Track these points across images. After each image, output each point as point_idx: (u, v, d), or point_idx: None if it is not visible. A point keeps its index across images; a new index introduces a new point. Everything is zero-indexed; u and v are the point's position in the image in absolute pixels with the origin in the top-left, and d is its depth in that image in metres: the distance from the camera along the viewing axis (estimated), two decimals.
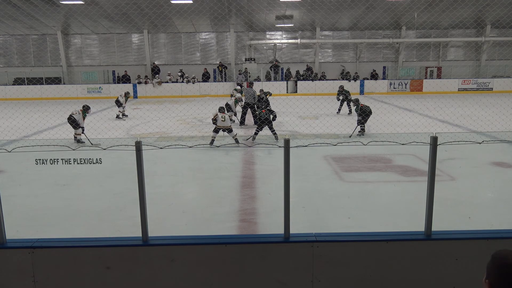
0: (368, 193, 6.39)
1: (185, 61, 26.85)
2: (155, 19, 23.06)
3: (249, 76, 24.44)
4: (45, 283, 3.04)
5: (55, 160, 3.23)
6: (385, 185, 6.76)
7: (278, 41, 26.43)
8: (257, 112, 11.44)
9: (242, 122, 13.48)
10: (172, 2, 19.42)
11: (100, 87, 24.54)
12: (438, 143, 3.02)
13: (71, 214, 5.56)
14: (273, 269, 3.06)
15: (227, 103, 13.62)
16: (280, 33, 26.51)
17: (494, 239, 3.09)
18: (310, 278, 3.05)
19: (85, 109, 10.78)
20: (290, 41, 26.35)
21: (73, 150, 3.49)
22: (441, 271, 3.07)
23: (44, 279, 3.03)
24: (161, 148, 3.67)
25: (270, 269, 3.06)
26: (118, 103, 15.20)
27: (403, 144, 3.76)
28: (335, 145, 3.94)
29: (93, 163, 3.31)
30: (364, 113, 10.79)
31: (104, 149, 3.56)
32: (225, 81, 25.39)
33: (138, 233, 3.10)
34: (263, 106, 11.93)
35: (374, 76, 25.75)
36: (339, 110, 15.64)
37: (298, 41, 26.01)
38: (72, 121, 10.41)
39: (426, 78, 26.21)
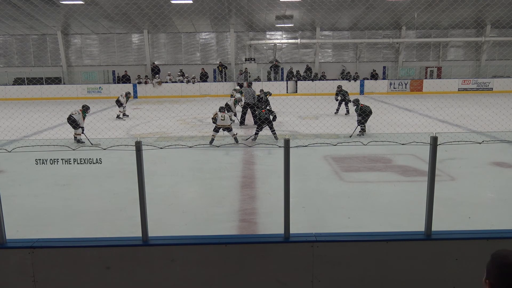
0: (368, 193, 6.39)
1: (185, 61, 26.86)
2: (155, 19, 23.06)
3: (249, 76, 24.44)
4: (45, 283, 3.04)
5: (55, 160, 3.23)
6: (385, 185, 6.76)
7: (278, 41, 26.43)
8: (257, 112, 11.45)
9: (242, 122, 13.49)
10: (172, 2, 19.41)
11: (100, 87, 24.54)
12: (438, 143, 3.02)
13: (71, 214, 5.56)
14: (273, 269, 3.06)
15: (226, 103, 13.63)
16: (280, 33, 26.51)
17: (494, 239, 3.09)
18: (310, 278, 3.05)
19: (85, 109, 10.78)
20: (290, 41, 26.35)
21: (73, 150, 3.50)
22: (441, 271, 3.07)
23: (44, 279, 3.03)
24: (161, 148, 3.67)
25: (270, 269, 3.06)
26: (118, 103, 15.21)
27: (403, 144, 3.76)
28: (335, 145, 3.94)
29: (93, 163, 3.31)
30: (364, 113, 10.79)
31: (104, 149, 3.56)
32: (225, 81, 25.39)
33: (138, 233, 3.10)
34: (263, 106, 11.94)
35: (374, 76, 25.75)
36: (337, 110, 15.62)
37: (298, 41, 26.01)
38: (72, 121, 10.41)
39: (426, 78, 26.21)
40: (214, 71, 26.33)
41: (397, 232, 3.38)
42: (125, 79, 25.37)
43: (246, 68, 25.13)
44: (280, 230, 3.13)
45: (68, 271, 3.06)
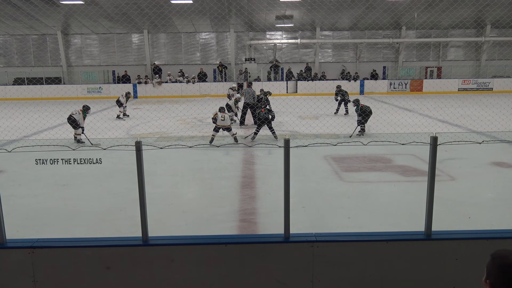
0: (368, 193, 6.39)
1: (185, 61, 26.86)
2: (155, 19, 23.06)
3: (249, 76, 24.44)
4: (45, 283, 3.04)
5: (55, 160, 3.23)
6: (385, 185, 6.76)
7: (278, 41, 26.43)
8: (256, 112, 11.46)
9: (242, 122, 13.49)
10: (172, 2, 19.42)
11: (100, 87, 24.55)
12: (438, 143, 3.03)
13: (71, 214, 5.56)
14: (273, 269, 3.06)
15: (227, 103, 13.64)
16: (280, 33, 26.51)
17: (494, 239, 3.09)
18: (310, 278, 3.05)
19: (85, 109, 10.78)
20: (290, 41, 26.35)
21: (73, 150, 3.50)
22: (441, 271, 3.07)
23: (44, 279, 3.03)
24: (161, 148, 3.67)
25: (270, 269, 3.06)
26: (118, 103, 15.22)
27: (403, 144, 3.76)
28: (335, 145, 3.94)
29: (93, 163, 3.31)
30: (364, 113, 10.78)
31: (104, 149, 3.56)
32: (225, 81, 25.38)
33: (138, 233, 3.10)
34: (263, 106, 11.95)
35: (374, 76, 25.75)
36: (337, 110, 15.61)
37: (298, 41, 26.01)
38: (72, 121, 10.41)
39: (426, 78, 26.21)
40: (214, 71, 26.33)
41: (397, 232, 3.38)
42: (125, 79, 25.37)
43: (246, 68, 25.13)
44: (280, 230, 3.13)
45: (68, 271, 3.06)
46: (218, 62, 26.33)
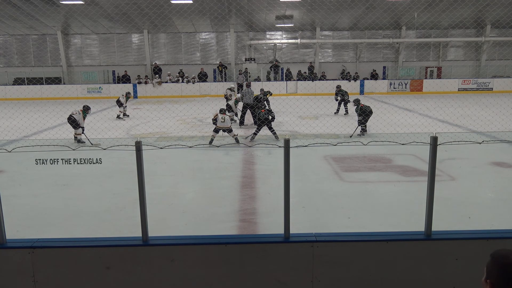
0: (368, 193, 6.39)
1: (185, 61, 26.86)
2: (155, 19, 23.06)
3: (249, 76, 24.44)
4: (45, 283, 3.04)
5: (55, 160, 3.23)
6: (385, 185, 6.76)
7: (278, 41, 26.43)
8: (256, 112, 11.47)
9: (241, 122, 13.49)
10: (172, 2, 19.42)
11: (100, 87, 24.55)
12: (438, 143, 3.03)
13: (71, 214, 5.56)
14: (273, 269, 3.06)
15: (227, 104, 13.64)
16: (280, 33, 26.51)
17: (494, 239, 3.09)
18: (310, 278, 3.05)
19: (85, 109, 10.78)
20: (290, 41, 26.35)
21: (73, 150, 3.49)
22: (441, 271, 3.07)
23: (44, 279, 3.03)
24: (161, 148, 3.67)
25: (270, 269, 3.06)
26: (119, 103, 15.23)
27: (403, 144, 3.76)
28: (335, 145, 3.94)
29: (93, 163, 3.31)
30: (364, 113, 10.78)
31: (104, 149, 3.56)
32: (225, 81, 25.39)
33: (138, 233, 3.10)
34: (263, 106, 11.95)
35: (374, 76, 25.75)
36: (337, 110, 15.61)
37: (298, 41, 26.01)
38: (72, 121, 10.41)
39: (426, 78, 26.21)
40: (214, 71, 26.33)
41: (397, 232, 3.38)
42: (125, 79, 25.37)
43: (246, 68, 25.13)
44: (280, 230, 3.13)
45: (68, 271, 3.06)
46: (218, 62, 26.33)
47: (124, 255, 3.08)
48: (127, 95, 15.54)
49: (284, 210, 3.08)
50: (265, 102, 13.67)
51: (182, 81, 24.98)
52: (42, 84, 23.78)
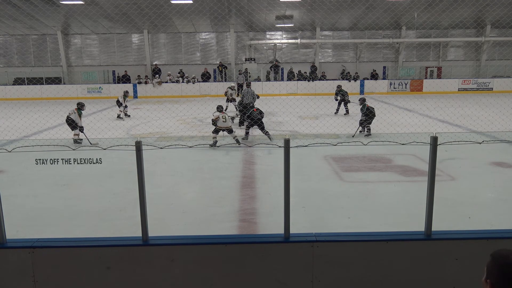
0: (368, 193, 6.39)
1: (185, 61, 26.86)
2: (155, 19, 23.06)
3: (249, 76, 24.43)
4: (45, 283, 3.04)
5: (55, 160, 3.23)
6: (385, 185, 6.76)
7: (278, 41, 26.43)
8: (249, 112, 11.44)
9: (241, 123, 13.48)
10: (172, 2, 19.41)
11: (100, 87, 24.54)
12: (438, 143, 3.03)
13: (71, 214, 5.56)
14: (273, 269, 3.06)
15: (229, 102, 13.61)
16: (280, 33, 26.51)
17: (494, 239, 3.09)
18: (310, 278, 3.05)
19: (80, 107, 10.76)
20: (290, 41, 26.35)
21: (73, 150, 3.50)
22: (441, 271, 3.07)
23: (44, 279, 3.03)
24: (161, 148, 3.67)
25: (270, 269, 3.06)
26: (118, 103, 15.25)
27: (403, 144, 3.76)
28: (335, 145, 3.94)
29: (93, 163, 3.31)
30: (369, 114, 10.72)
31: (104, 149, 3.56)
32: (225, 81, 25.38)
33: (138, 233, 3.10)
34: (253, 106, 11.99)
35: (374, 76, 25.75)
36: (337, 110, 15.61)
37: (298, 41, 26.01)
38: (71, 122, 10.41)
39: (426, 78, 26.21)
40: (214, 71, 26.33)
41: (397, 232, 3.38)
42: (125, 79, 25.37)
43: (246, 68, 25.13)
44: (280, 230, 3.13)
45: (68, 271, 3.06)
46: (218, 62, 26.33)
47: (124, 255, 3.08)
48: (125, 94, 15.54)
49: (284, 210, 3.08)
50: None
51: (182, 81, 24.98)
52: (42, 84, 23.77)
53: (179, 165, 8.21)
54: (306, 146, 4.07)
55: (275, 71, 25.77)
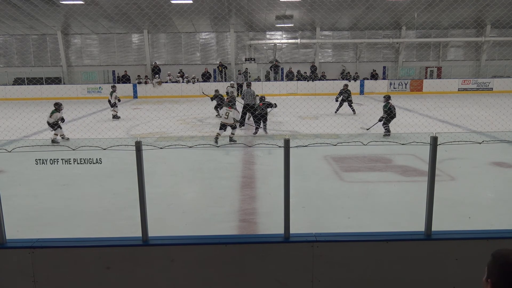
0: (368, 193, 6.39)
1: (185, 61, 26.85)
2: (155, 19, 23.06)
3: (249, 76, 24.42)
4: (45, 283, 3.04)
5: (55, 160, 3.22)
6: (385, 185, 6.75)
7: (278, 41, 26.43)
8: (255, 110, 11.70)
9: (241, 123, 13.47)
10: (172, 2, 19.41)
11: (100, 87, 24.53)
12: (438, 143, 3.03)
13: (71, 214, 5.56)
14: (273, 269, 3.06)
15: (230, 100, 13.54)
16: (280, 33, 26.51)
17: (494, 239, 3.09)
18: (310, 278, 3.05)
19: (57, 107, 10.69)
20: (290, 41, 26.34)
21: (73, 150, 3.49)
22: (441, 271, 3.07)
23: (44, 279, 3.03)
24: (161, 148, 3.67)
25: (270, 269, 3.06)
26: (110, 102, 15.20)
27: (403, 144, 3.76)
28: (335, 145, 3.94)
29: (93, 163, 3.31)
30: (390, 113, 10.52)
31: (104, 149, 3.56)
32: (225, 81, 25.36)
33: (138, 233, 3.10)
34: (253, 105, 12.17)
35: (374, 76, 25.75)
36: (337, 110, 15.63)
37: (298, 41, 26.00)
38: (52, 125, 10.47)
39: (426, 78, 26.21)
40: (214, 71, 26.33)
41: (397, 232, 3.38)
42: (125, 79, 25.36)
43: (246, 68, 25.12)
44: (280, 230, 3.13)
45: (68, 271, 3.06)
46: (218, 62, 26.32)
47: (124, 255, 3.08)
48: (112, 89, 15.35)
49: (284, 210, 3.08)
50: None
51: (182, 81, 24.97)
52: (42, 84, 23.77)
53: (179, 165, 8.21)
54: (306, 146, 4.07)
55: (275, 71, 25.77)
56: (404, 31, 25.94)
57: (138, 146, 2.99)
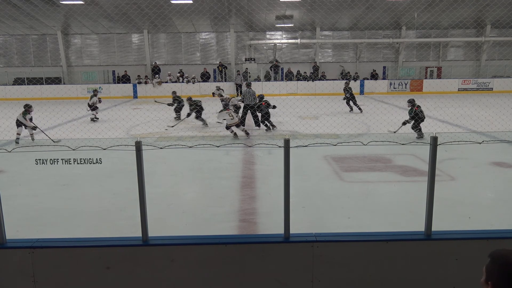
0: (368, 193, 6.39)
1: (185, 61, 26.85)
2: (155, 19, 23.06)
3: (249, 77, 24.42)
4: (45, 283, 3.04)
5: (55, 160, 3.22)
6: (385, 185, 6.75)
7: (278, 41, 26.42)
8: (258, 110, 11.84)
9: (242, 123, 13.46)
10: (172, 2, 19.41)
11: (100, 87, 24.53)
12: (438, 143, 3.02)
13: (71, 214, 5.56)
14: (273, 269, 3.06)
15: (224, 103, 13.57)
16: (280, 33, 26.51)
17: (494, 239, 3.09)
18: (310, 278, 3.05)
19: (27, 109, 10.73)
20: (290, 41, 26.34)
21: (73, 150, 3.49)
22: (441, 271, 3.07)
23: (44, 279, 3.03)
24: (161, 148, 3.67)
25: (270, 269, 3.06)
26: (90, 106, 14.69)
27: (403, 144, 3.76)
28: (335, 145, 3.94)
29: (93, 163, 3.31)
30: (417, 117, 10.14)
31: (104, 149, 3.56)
32: (225, 81, 25.39)
33: (138, 233, 3.10)
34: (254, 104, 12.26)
35: (374, 76, 25.74)
36: (351, 108, 15.77)
37: (298, 41, 26.00)
38: (19, 124, 10.56)
39: (426, 78, 26.20)
40: (214, 71, 26.33)
41: (397, 232, 3.38)
42: (125, 79, 25.36)
43: (246, 68, 25.12)
44: (280, 230, 3.13)
45: (68, 271, 3.06)
46: (218, 62, 26.32)
47: (124, 255, 3.08)
48: (94, 93, 14.97)
49: (284, 210, 3.08)
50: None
51: (182, 81, 24.97)
52: (42, 84, 23.77)
53: (179, 165, 8.21)
54: (306, 146, 4.06)
55: (275, 71, 25.77)
56: (404, 31, 25.94)
57: (138, 146, 2.99)
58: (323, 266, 3.04)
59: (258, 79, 24.78)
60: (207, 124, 13.06)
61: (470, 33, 26.00)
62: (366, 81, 25.10)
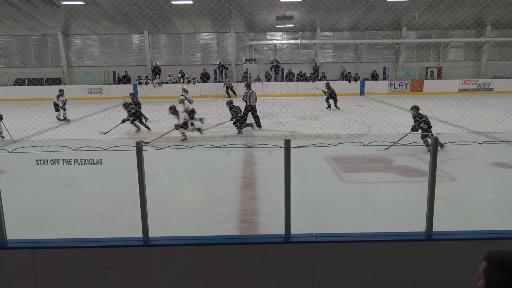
0: (369, 194, 6.38)
1: (185, 62, 26.86)
2: (156, 20, 23.07)
3: (250, 77, 24.41)
4: (45, 283, 3.04)
5: (56, 161, 3.23)
6: (386, 186, 6.75)
7: (279, 41, 26.42)
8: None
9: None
10: (173, 2, 19.43)
11: (100, 88, 24.55)
12: (438, 143, 3.02)
13: (71, 215, 5.56)
14: (273, 270, 3.06)
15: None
16: (280, 33, 26.52)
17: (495, 240, 3.09)
18: (311, 278, 3.05)
19: (60, 94, 10.81)
20: (290, 41, 26.34)
21: (74, 150, 3.50)
22: (442, 271, 3.07)
23: (44, 280, 3.03)
24: (161, 148, 3.67)
25: (270, 269, 3.06)
26: (55, 105, 14.41)
27: (403, 145, 3.75)
28: (335, 145, 3.94)
29: (94, 164, 3.31)
30: (427, 126, 8.78)
31: (105, 149, 3.56)
32: None
33: (139, 234, 3.10)
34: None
35: (374, 77, 25.74)
36: (329, 106, 16.36)
37: (299, 41, 26.00)
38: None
39: (426, 78, 26.19)
40: (215, 71, 26.34)
41: (398, 232, 3.38)
42: (125, 79, 25.37)
43: (247, 68, 25.13)
44: (281, 231, 3.13)
45: (69, 271, 3.06)
46: (218, 63, 26.33)
47: (125, 256, 3.08)
48: (60, 92, 14.53)
49: (285, 211, 3.08)
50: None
51: (183, 82, 24.97)
52: (43, 84, 23.78)
53: (180, 165, 8.21)
54: (306, 146, 4.07)
55: (275, 72, 25.77)
56: (404, 31, 25.94)
57: (139, 147, 2.99)
58: (324, 266, 3.04)
59: (258, 80, 24.78)
60: (146, 129, 12.30)
61: (471, 34, 25.99)
62: (366, 82, 25.10)
